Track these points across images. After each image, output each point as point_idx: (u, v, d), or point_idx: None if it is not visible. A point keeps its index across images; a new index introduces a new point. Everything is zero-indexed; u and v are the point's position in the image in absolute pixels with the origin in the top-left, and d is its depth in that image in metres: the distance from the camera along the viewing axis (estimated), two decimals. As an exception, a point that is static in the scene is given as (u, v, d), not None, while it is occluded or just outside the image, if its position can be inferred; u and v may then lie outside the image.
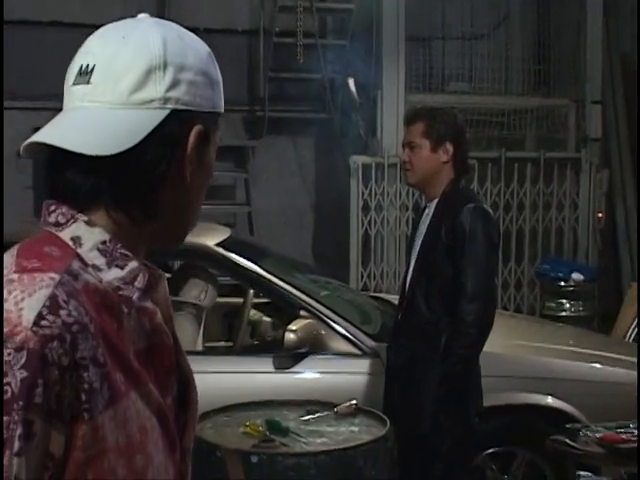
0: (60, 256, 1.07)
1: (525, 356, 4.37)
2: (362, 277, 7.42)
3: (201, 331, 4.44)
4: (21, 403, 0.94)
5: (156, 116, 1.10)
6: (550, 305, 7.16)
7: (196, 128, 1.13)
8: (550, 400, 4.21)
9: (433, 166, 3.45)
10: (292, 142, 8.56)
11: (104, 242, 1.10)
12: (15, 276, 1.01)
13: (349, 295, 5.36)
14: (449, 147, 3.44)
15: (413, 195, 7.39)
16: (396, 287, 7.40)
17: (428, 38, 7.74)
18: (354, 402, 3.17)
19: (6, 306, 0.98)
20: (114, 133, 1.07)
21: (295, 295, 4.21)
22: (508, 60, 7.95)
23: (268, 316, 5.18)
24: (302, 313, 4.14)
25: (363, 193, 7.34)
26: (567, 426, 3.22)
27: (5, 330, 0.95)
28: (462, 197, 3.41)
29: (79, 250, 1.09)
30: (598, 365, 4.43)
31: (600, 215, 7.85)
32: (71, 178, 1.11)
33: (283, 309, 4.59)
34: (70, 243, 1.10)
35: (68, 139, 1.07)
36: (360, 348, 4.09)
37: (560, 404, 4.20)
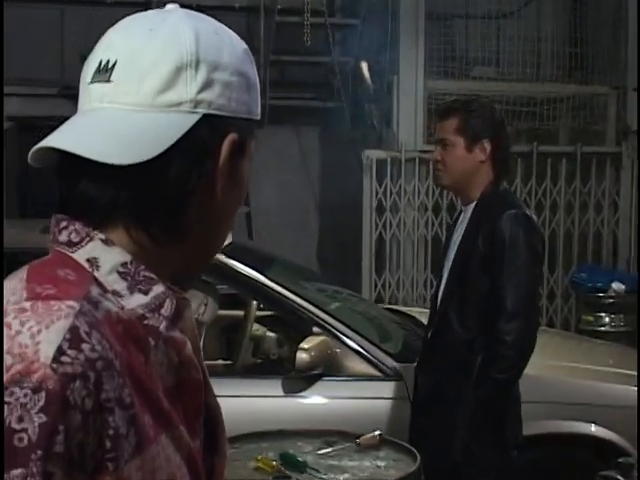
0: (77, 281, 1.03)
1: (561, 378, 4.36)
2: (376, 286, 7.42)
3: (201, 349, 4.42)
4: (40, 453, 0.91)
5: (185, 121, 1.06)
6: (587, 319, 7.14)
7: (230, 137, 1.09)
8: (594, 429, 4.20)
9: (469, 166, 3.43)
10: (295, 133, 8.56)
11: (125, 264, 1.07)
12: (28, 304, 0.98)
13: (363, 307, 5.36)
14: (487, 145, 3.41)
15: (434, 194, 7.38)
16: (414, 298, 7.41)
17: (450, 17, 7.73)
18: (378, 432, 3.14)
19: (20, 339, 0.94)
20: (137, 139, 1.04)
21: (307, 309, 4.20)
22: (539, 42, 7.93)
23: (273, 331, 5.16)
24: (315, 329, 4.13)
25: (377, 192, 7.34)
26: (619, 460, 3.18)
27: (19, 367, 0.92)
28: (502, 201, 3.39)
29: (96, 273, 1.06)
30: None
31: (644, 217, 7.83)
32: (85, 190, 1.07)
33: (293, 324, 4.58)
34: (86, 265, 1.07)
35: (84, 145, 1.03)
36: (381, 369, 4.08)
37: (605, 433, 4.19)
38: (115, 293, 1.06)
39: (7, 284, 1.03)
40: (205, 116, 1.07)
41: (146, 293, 1.07)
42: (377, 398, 4.02)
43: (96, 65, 1.10)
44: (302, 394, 4.01)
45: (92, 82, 1.09)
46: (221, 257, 4.24)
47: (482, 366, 3.30)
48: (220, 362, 5.25)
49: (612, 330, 7.03)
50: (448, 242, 3.60)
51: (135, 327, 1.04)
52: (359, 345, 4.14)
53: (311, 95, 8.37)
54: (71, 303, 0.98)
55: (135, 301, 1.06)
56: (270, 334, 5.14)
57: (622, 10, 7.80)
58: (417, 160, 7.37)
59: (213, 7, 7.67)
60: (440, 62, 7.48)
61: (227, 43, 1.11)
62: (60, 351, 0.94)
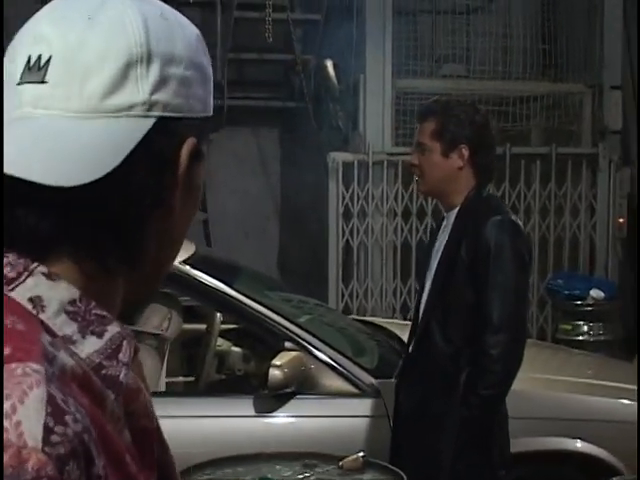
0: (27, 331, 0.90)
1: (544, 392, 4.36)
2: (343, 296, 7.39)
3: (164, 367, 4.38)
4: None
5: (139, 127, 0.95)
6: (565, 328, 7.18)
7: (189, 141, 1.00)
8: (580, 445, 4.21)
9: (446, 173, 3.43)
10: (254, 136, 8.54)
11: (73, 302, 0.95)
12: None
13: (333, 319, 5.35)
14: (465, 151, 3.41)
15: (403, 199, 7.38)
16: (383, 308, 7.41)
17: (417, 12, 7.74)
18: (362, 454, 3.13)
19: None
20: (83, 154, 0.92)
21: (277, 322, 4.17)
22: (510, 38, 7.96)
23: (238, 346, 5.13)
24: (287, 344, 4.10)
25: (344, 196, 7.32)
26: (614, 479, 3.21)
27: (8, 459, 0.82)
28: (486, 207, 3.39)
29: (42, 316, 0.93)
30: (627, 401, 4.43)
31: (621, 221, 7.89)
32: (23, 216, 0.94)
33: (261, 338, 4.56)
34: (28, 306, 0.93)
35: (18, 163, 0.90)
36: (357, 386, 4.07)
37: (592, 449, 4.20)
38: (66, 339, 0.93)
39: None
40: (160, 119, 0.97)
41: (100, 335, 0.96)
42: (354, 416, 4.01)
43: (24, 61, 0.97)
44: (275, 413, 3.98)
45: (22, 82, 0.96)
46: (184, 268, 4.20)
47: (468, 382, 3.29)
48: (181, 379, 5.20)
49: (591, 339, 7.08)
50: (430, 250, 3.60)
51: (91, 381, 0.93)
52: (334, 360, 4.12)
53: (271, 95, 8.36)
54: (35, 366, 0.86)
55: (89, 347, 0.95)
56: (235, 349, 5.10)
57: (597, 4, 7.85)
58: (385, 163, 7.37)
59: (165, 1, 7.61)
60: (408, 60, 7.48)
61: (178, 29, 1.01)
62: (47, 430, 0.84)
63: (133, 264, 0.99)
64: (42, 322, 0.92)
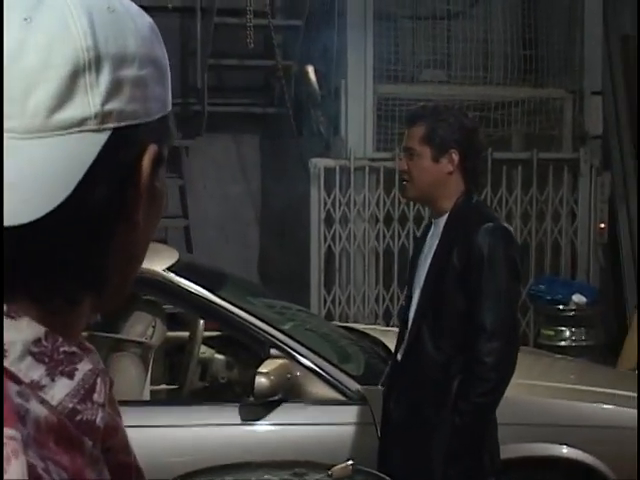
0: None
1: (527, 398, 4.34)
2: (325, 303, 7.37)
3: (148, 376, 4.34)
4: None
5: (92, 144, 0.84)
6: (547, 333, 7.19)
7: (150, 149, 0.89)
8: (566, 450, 4.20)
9: (435, 178, 3.41)
10: (235, 142, 8.52)
11: (38, 341, 0.85)
12: None
13: (316, 325, 5.32)
14: (454, 156, 3.39)
15: (385, 205, 7.37)
16: (365, 314, 7.39)
17: (397, 18, 7.73)
18: (351, 462, 3.10)
19: None
20: (31, 184, 0.80)
21: (263, 330, 4.14)
22: (490, 43, 7.97)
23: (221, 353, 5.10)
24: (272, 351, 4.07)
25: (325, 202, 7.30)
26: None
27: None
28: (477, 214, 3.37)
29: (5, 362, 0.83)
30: (610, 406, 4.43)
31: (602, 226, 7.91)
32: None
33: (245, 346, 4.53)
34: None
35: None
36: (344, 393, 4.04)
37: (578, 454, 4.19)
38: (34, 385, 0.84)
39: None
40: (115, 130, 0.85)
41: (71, 376, 0.87)
42: (341, 424, 3.98)
43: None
44: (261, 421, 3.95)
45: None
46: (169, 275, 4.16)
47: (460, 390, 3.27)
48: (164, 387, 5.16)
49: (573, 345, 7.09)
50: (417, 257, 3.57)
51: (67, 429, 0.84)
52: (320, 367, 4.10)
53: (252, 101, 8.33)
54: (9, 432, 0.76)
55: (60, 390, 0.85)
56: (218, 356, 5.08)
57: (577, 10, 7.87)
58: (367, 169, 7.35)
59: (143, 7, 7.56)
60: (390, 65, 7.46)
61: (129, 22, 0.88)
62: None
63: (99, 290, 0.90)
64: (5, 369, 0.82)
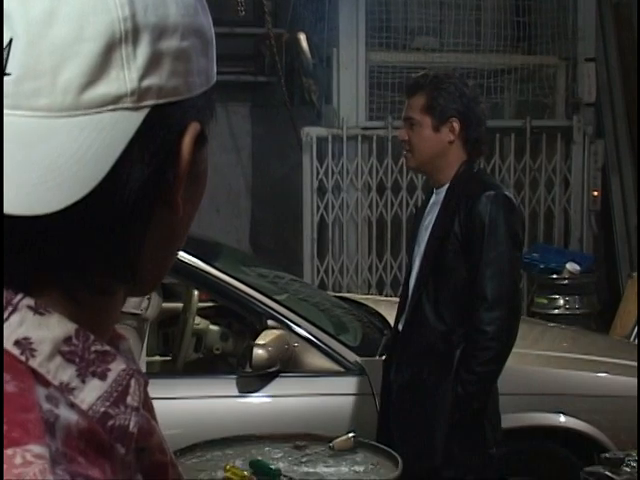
0: (18, 392, 0.74)
1: (523, 367, 4.32)
2: (318, 272, 7.33)
3: (144, 348, 4.30)
4: None
5: (129, 123, 0.77)
6: (541, 301, 7.18)
7: (191, 128, 0.81)
8: (563, 419, 4.19)
9: (437, 147, 3.38)
10: (226, 110, 8.43)
11: (68, 339, 0.79)
12: None
13: (312, 295, 5.29)
14: (455, 125, 3.37)
15: (377, 173, 7.32)
16: (358, 284, 7.36)
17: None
18: (352, 434, 3.08)
19: None
20: (64, 167, 0.73)
21: (260, 300, 4.10)
22: (482, 10, 7.90)
23: (215, 324, 5.07)
24: (270, 322, 4.04)
25: (318, 171, 7.24)
26: (606, 455, 3.18)
27: None
28: (478, 182, 3.35)
29: (32, 363, 0.77)
30: (604, 374, 4.42)
31: (595, 194, 7.88)
32: None
33: (241, 317, 4.50)
34: (15, 351, 0.76)
35: None
36: (342, 364, 4.02)
37: (575, 423, 4.18)
38: (64, 387, 0.78)
39: None
40: (154, 109, 0.78)
41: (103, 377, 0.80)
42: (339, 395, 3.96)
43: None
44: (258, 393, 3.92)
45: None
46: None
47: (462, 359, 3.26)
48: (158, 358, 5.13)
49: (567, 313, 7.08)
50: (418, 226, 3.54)
51: (98, 436, 0.78)
52: (317, 338, 4.07)
53: (242, 69, 8.24)
54: (37, 449, 0.71)
55: (91, 393, 0.79)
56: (213, 327, 5.04)
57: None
58: (359, 137, 7.29)
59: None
60: (382, 33, 7.39)
61: None
62: None
63: (133, 280, 0.83)
64: (33, 370, 0.76)
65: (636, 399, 4.20)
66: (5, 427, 0.71)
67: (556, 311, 7.11)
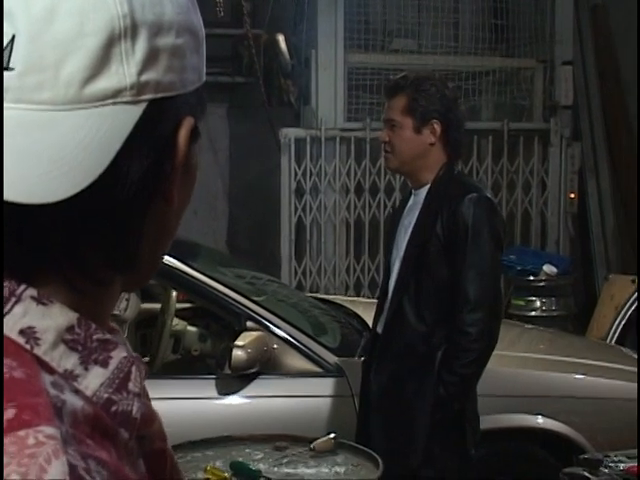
0: (26, 378, 0.76)
1: (501, 369, 4.32)
2: (296, 274, 7.32)
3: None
4: None
5: (128, 116, 0.80)
6: (517, 303, 7.21)
7: (186, 122, 0.85)
8: (541, 420, 4.21)
9: (417, 149, 3.40)
10: (202, 111, 8.41)
11: (71, 328, 0.81)
12: None
13: (290, 296, 5.29)
14: (436, 126, 3.39)
15: (355, 175, 7.33)
16: (336, 285, 7.36)
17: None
18: (332, 435, 3.09)
19: None
20: (66, 158, 0.76)
21: (240, 302, 4.10)
22: (460, 13, 7.93)
23: (193, 325, 5.06)
24: (249, 324, 4.04)
25: (296, 173, 7.24)
26: (585, 456, 3.19)
27: None
28: (460, 184, 3.37)
29: (37, 351, 0.79)
30: (581, 376, 4.44)
31: (572, 196, 7.92)
32: None
33: (219, 318, 4.49)
34: (20, 340, 0.79)
35: None
36: (321, 365, 4.02)
37: (554, 425, 4.20)
38: (68, 374, 0.80)
39: None
40: (152, 102, 0.82)
41: (105, 364, 0.83)
42: (318, 396, 3.96)
43: None
44: (237, 395, 3.92)
45: None
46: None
47: (444, 361, 3.27)
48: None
49: (544, 315, 7.11)
50: (395, 227, 3.55)
51: (103, 421, 0.80)
52: (296, 340, 4.07)
53: (220, 70, 8.22)
54: (48, 430, 0.72)
55: (95, 380, 0.81)
56: (191, 328, 5.03)
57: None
58: (338, 139, 7.29)
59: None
60: (360, 34, 7.39)
61: None
62: None
63: (130, 270, 0.86)
64: (38, 358, 0.79)
65: (612, 400, 4.25)
66: (15, 410, 0.72)
67: (533, 313, 7.14)
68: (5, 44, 0.78)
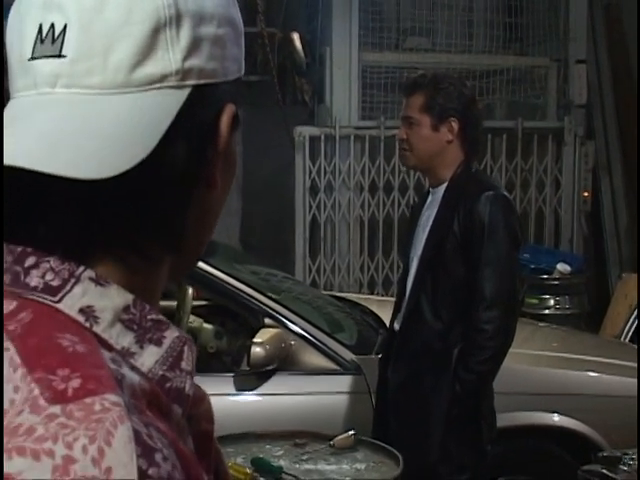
0: (88, 352, 0.79)
1: (516, 366, 4.32)
2: (310, 272, 7.34)
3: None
4: None
5: (174, 100, 0.84)
6: (531, 302, 7.19)
7: (228, 109, 0.89)
8: (557, 419, 4.21)
9: (435, 147, 3.41)
10: (216, 109, 8.41)
11: (127, 308, 0.85)
12: (55, 409, 0.74)
13: (306, 293, 5.30)
14: (454, 124, 3.39)
15: (370, 173, 7.33)
16: (350, 283, 7.37)
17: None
18: (352, 432, 3.09)
19: (79, 469, 0.72)
20: (116, 137, 0.80)
21: (258, 299, 4.12)
22: (474, 11, 7.92)
23: (209, 322, 5.07)
24: (266, 321, 4.05)
25: (311, 171, 7.25)
26: (604, 454, 3.20)
27: None
28: (477, 182, 3.37)
29: (97, 329, 0.82)
30: (595, 374, 4.44)
31: (586, 194, 7.91)
32: (51, 211, 0.84)
33: (238, 315, 4.50)
34: (80, 318, 0.82)
35: (40, 156, 0.77)
36: (339, 363, 4.03)
37: (570, 422, 4.21)
38: (125, 352, 0.84)
39: None
40: (195, 88, 0.86)
41: (159, 343, 0.86)
42: (335, 393, 3.97)
43: (35, 31, 0.84)
44: (256, 391, 3.93)
45: (35, 57, 0.84)
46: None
47: (460, 358, 3.28)
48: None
49: (558, 313, 7.10)
50: (414, 225, 3.56)
51: (159, 396, 0.83)
52: (314, 337, 4.08)
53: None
54: (113, 397, 0.75)
55: (149, 358, 0.85)
56: (207, 326, 5.04)
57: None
58: (352, 137, 7.30)
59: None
60: (375, 33, 7.40)
61: None
62: (141, 475, 0.74)
63: (178, 250, 0.89)
64: (96, 335, 0.82)
65: (627, 398, 4.25)
66: (80, 380, 0.75)
67: (546, 311, 7.13)
68: (57, 34, 0.83)
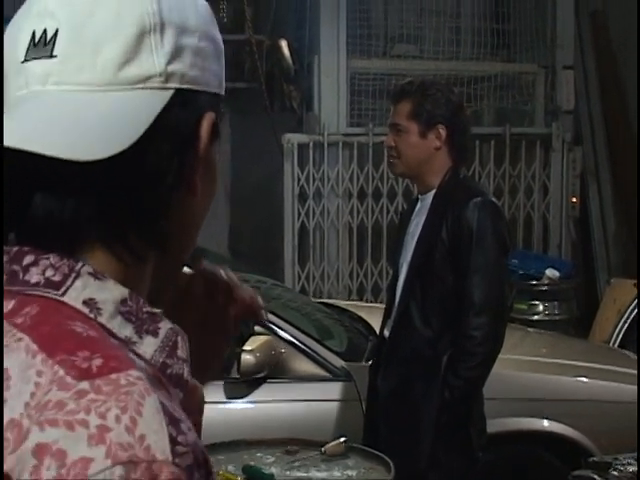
0: (99, 337, 0.85)
1: (506, 372, 4.33)
2: (299, 278, 7.34)
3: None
4: None
5: (157, 100, 0.90)
6: (520, 307, 7.20)
7: (208, 116, 0.95)
8: (547, 424, 4.22)
9: (423, 154, 3.41)
10: (204, 117, 8.40)
11: (124, 301, 0.89)
12: (84, 385, 0.79)
13: (295, 300, 5.30)
14: (442, 131, 3.40)
15: (358, 180, 7.34)
16: (339, 290, 7.37)
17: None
18: (343, 439, 3.10)
19: (114, 437, 0.77)
20: (102, 127, 0.87)
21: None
22: (461, 17, 7.94)
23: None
24: (256, 328, 4.06)
25: (299, 178, 7.25)
26: (594, 459, 3.21)
27: (137, 474, 0.77)
28: (465, 189, 3.38)
29: (100, 319, 0.87)
30: (586, 379, 4.45)
31: (574, 200, 7.94)
32: (40, 202, 0.88)
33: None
34: (84, 310, 0.87)
35: (34, 139, 0.84)
36: (329, 370, 4.04)
37: (560, 428, 4.22)
38: (128, 341, 0.88)
39: (8, 361, 0.82)
40: (178, 92, 0.92)
41: (155, 334, 0.90)
42: (326, 400, 3.98)
43: (29, 37, 0.90)
44: (246, 399, 3.94)
45: (27, 60, 0.90)
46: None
47: (449, 364, 3.28)
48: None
49: (547, 318, 7.12)
50: (403, 232, 3.56)
51: (163, 382, 0.87)
52: (304, 344, 4.09)
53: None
54: (136, 373, 0.81)
55: (149, 347, 0.90)
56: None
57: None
58: (341, 144, 7.30)
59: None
60: (362, 40, 7.41)
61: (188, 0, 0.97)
62: (172, 441, 0.79)
63: (161, 248, 0.94)
64: (102, 325, 0.88)
65: (617, 403, 4.26)
66: (102, 359, 0.81)
67: (535, 317, 7.14)
68: (49, 38, 0.89)
